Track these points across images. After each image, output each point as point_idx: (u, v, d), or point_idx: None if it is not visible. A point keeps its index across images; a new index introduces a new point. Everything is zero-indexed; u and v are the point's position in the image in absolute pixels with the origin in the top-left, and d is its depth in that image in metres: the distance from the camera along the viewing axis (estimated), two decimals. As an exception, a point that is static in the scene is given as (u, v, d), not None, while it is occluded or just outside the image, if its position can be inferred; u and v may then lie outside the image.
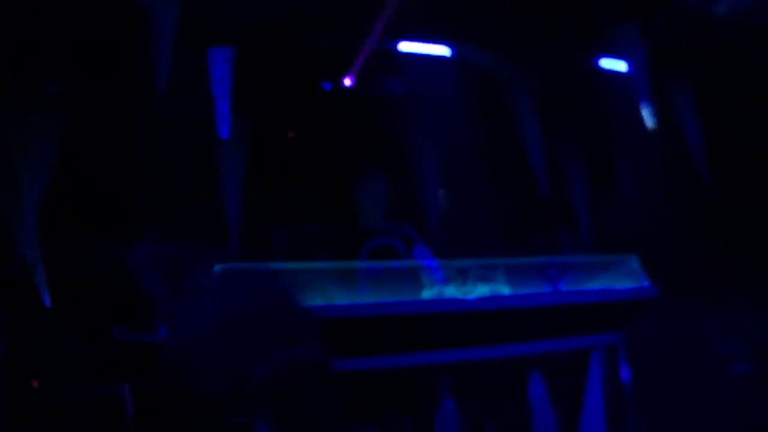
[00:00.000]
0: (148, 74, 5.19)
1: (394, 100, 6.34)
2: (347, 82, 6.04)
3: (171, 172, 5.85)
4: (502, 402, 4.59)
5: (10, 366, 5.48)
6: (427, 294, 3.87)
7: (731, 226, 7.00)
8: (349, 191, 5.05)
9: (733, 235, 7.03)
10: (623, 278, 4.48)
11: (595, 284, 4.42)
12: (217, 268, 3.58)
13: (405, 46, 5.99)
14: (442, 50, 6.13)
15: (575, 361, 4.75)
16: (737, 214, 6.96)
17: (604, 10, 6.13)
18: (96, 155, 6.02)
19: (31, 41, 5.50)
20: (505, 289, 4.01)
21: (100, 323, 5.70)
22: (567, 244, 7.10)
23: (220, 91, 5.60)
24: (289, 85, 6.05)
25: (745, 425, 6.99)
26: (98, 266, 5.83)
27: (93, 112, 5.86)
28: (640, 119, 6.52)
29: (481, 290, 3.93)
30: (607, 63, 6.52)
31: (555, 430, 4.63)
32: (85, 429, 5.45)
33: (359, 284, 4.00)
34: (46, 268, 5.83)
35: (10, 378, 5.48)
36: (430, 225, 6.51)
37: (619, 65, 6.49)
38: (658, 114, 6.57)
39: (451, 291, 3.89)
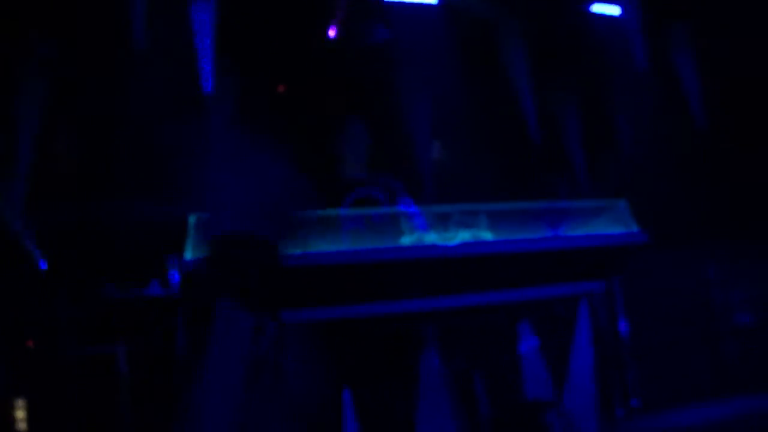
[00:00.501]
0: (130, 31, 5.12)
1: (381, 48, 6.23)
2: (331, 32, 5.93)
3: (159, 130, 5.79)
4: (490, 351, 4.53)
5: (5, 327, 5.50)
6: (406, 241, 3.80)
7: (731, 172, 6.90)
8: (333, 141, 4.97)
9: (733, 181, 6.93)
10: (611, 224, 4.38)
11: (582, 230, 4.32)
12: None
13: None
14: (428, -4, 6.01)
15: (565, 309, 4.68)
16: (737, 159, 6.85)
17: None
18: (84, 114, 5.98)
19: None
20: (487, 235, 3.93)
21: (92, 282, 5.70)
22: (563, 192, 7.01)
23: (203, 45, 5.51)
24: (274, 37, 5.94)
25: (746, 375, 6.97)
26: (89, 226, 5.82)
27: (79, 72, 5.80)
28: (635, 63, 6.39)
29: (462, 236, 3.85)
30: (600, 7, 6.36)
31: (546, 378, 4.58)
32: (80, 388, 5.47)
33: (340, 233, 3.94)
34: (37, 229, 5.81)
35: (4, 339, 5.49)
36: (422, 175, 6.43)
37: (613, 9, 6.34)
38: (652, 57, 6.43)
39: (432, 238, 3.82)
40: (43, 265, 5.83)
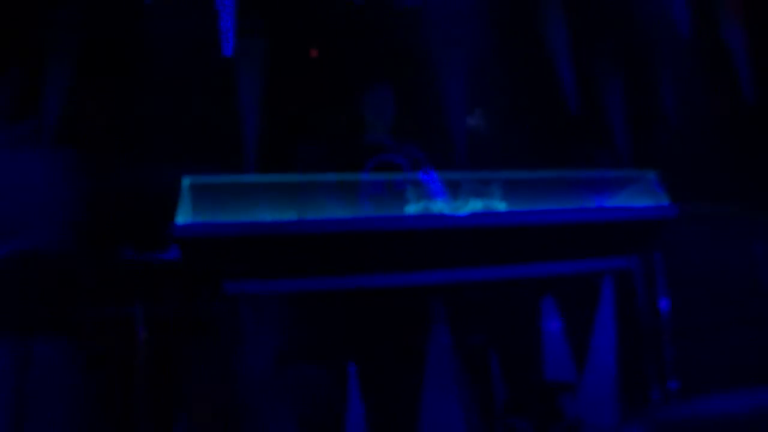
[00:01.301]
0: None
1: (412, 11, 5.99)
2: (359, -6, 5.71)
3: (182, 93, 5.69)
4: (509, 327, 4.32)
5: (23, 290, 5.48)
6: (411, 209, 3.60)
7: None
8: (358, 105, 4.80)
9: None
10: (640, 196, 4.12)
11: (607, 202, 4.07)
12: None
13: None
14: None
15: (591, 286, 4.45)
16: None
17: None
18: (105, 79, 5.90)
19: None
20: (501, 205, 3.71)
21: (110, 244, 5.66)
22: (603, 162, 6.72)
23: (224, 5, 5.36)
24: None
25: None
26: (108, 188, 5.76)
27: (102, 34, 5.72)
28: (678, 28, 6.03)
29: (473, 206, 3.64)
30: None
31: (568, 358, 4.37)
32: (99, 351, 5.45)
33: (359, 198, 3.79)
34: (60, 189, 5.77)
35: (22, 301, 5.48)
36: (454, 143, 6.20)
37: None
38: (698, 25, 6.05)
39: (440, 206, 3.61)
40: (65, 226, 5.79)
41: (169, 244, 5.71)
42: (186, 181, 3.40)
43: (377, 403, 3.82)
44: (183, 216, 3.32)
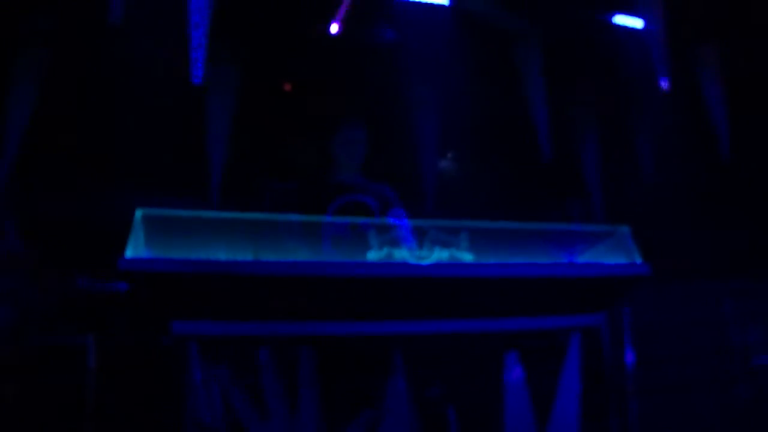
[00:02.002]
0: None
1: (386, 48, 5.90)
2: (334, 28, 5.61)
3: (149, 119, 5.54)
4: (469, 380, 4.16)
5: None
6: (373, 256, 3.45)
7: (754, 206, 6.47)
8: (328, 143, 4.66)
9: (756, 215, 6.50)
10: (612, 252, 4.00)
11: (577, 257, 3.94)
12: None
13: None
14: (439, -1, 5.65)
15: (557, 342, 4.31)
16: (760, 192, 6.42)
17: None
18: (71, 100, 5.75)
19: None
20: (467, 256, 3.56)
21: (64, 272, 5.47)
22: (575, 214, 6.63)
23: (196, 34, 5.23)
24: (273, 28, 5.65)
25: (760, 421, 6.52)
26: (66, 213, 5.60)
27: (70, 53, 5.58)
28: (657, 82, 5.98)
29: (438, 255, 3.50)
30: (622, 19, 5.96)
31: (529, 416, 4.20)
32: (48, 379, 5.26)
33: (321, 240, 3.63)
34: (15, 214, 5.59)
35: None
36: (424, 186, 6.10)
37: (635, 22, 5.93)
38: (676, 77, 6.01)
39: (404, 254, 3.46)
40: (19, 250, 5.60)
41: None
42: (139, 213, 3.21)
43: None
44: (133, 249, 3.14)
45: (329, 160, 4.63)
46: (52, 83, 5.64)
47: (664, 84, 5.88)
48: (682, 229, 6.04)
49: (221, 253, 3.27)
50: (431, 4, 5.67)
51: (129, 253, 3.15)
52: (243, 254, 3.30)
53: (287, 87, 6.37)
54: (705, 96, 6.29)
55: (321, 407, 3.64)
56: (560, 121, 6.31)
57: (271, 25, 5.65)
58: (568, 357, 4.02)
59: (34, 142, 5.71)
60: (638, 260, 3.93)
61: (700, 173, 6.46)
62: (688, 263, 5.90)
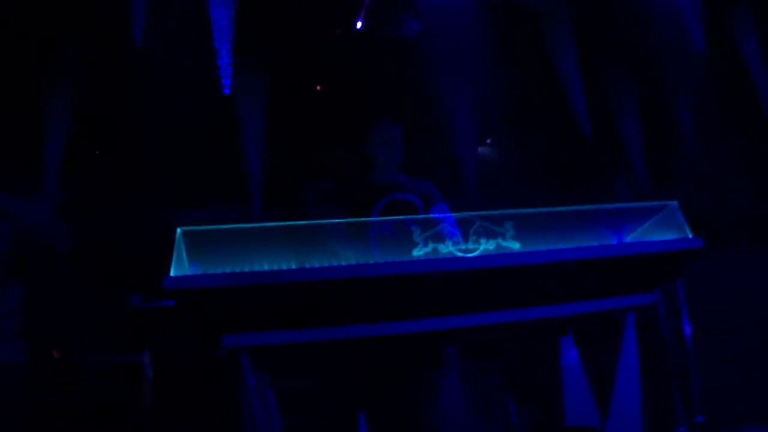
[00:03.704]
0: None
1: (412, 41, 5.84)
2: (358, 24, 5.56)
3: (184, 134, 5.57)
4: (527, 369, 4.11)
5: (32, 336, 5.36)
6: (419, 253, 3.40)
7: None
8: (365, 143, 4.63)
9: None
10: (662, 228, 3.90)
11: (627, 236, 3.86)
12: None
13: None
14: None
15: (613, 323, 4.23)
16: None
17: None
18: (105, 122, 5.81)
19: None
20: (514, 245, 3.50)
21: (117, 292, 5.54)
22: (621, 192, 6.51)
23: (222, 44, 5.23)
24: (299, 32, 5.62)
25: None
26: (109, 233, 5.65)
27: (101, 76, 5.63)
28: (692, 46, 5.81)
29: (485, 246, 3.44)
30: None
31: (590, 401, 4.14)
32: (106, 397, 5.35)
33: (369, 240, 3.61)
34: (63, 237, 5.67)
35: (31, 348, 5.36)
36: (466, 176, 6.02)
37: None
38: (713, 42, 5.84)
39: (449, 248, 3.41)
40: (73, 273, 5.69)
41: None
42: (179, 231, 3.21)
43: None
44: (176, 266, 3.14)
45: (367, 160, 4.60)
46: (86, 106, 5.69)
47: (700, 45, 5.70)
48: (730, 196, 5.90)
49: (264, 263, 3.25)
50: (454, -8, 5.60)
51: (173, 271, 3.15)
52: (287, 262, 3.27)
53: (318, 88, 6.35)
54: (742, 56, 6.10)
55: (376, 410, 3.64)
56: (597, 96, 6.17)
57: (295, 28, 5.62)
58: (625, 336, 3.94)
59: (74, 165, 5.77)
60: (689, 234, 3.82)
61: (743, 137, 6.29)
62: (739, 231, 5.76)
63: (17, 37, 5.36)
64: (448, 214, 4.22)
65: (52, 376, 5.36)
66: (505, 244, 3.48)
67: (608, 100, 6.30)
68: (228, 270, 3.21)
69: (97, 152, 6.02)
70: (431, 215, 4.17)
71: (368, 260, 3.33)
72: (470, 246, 3.43)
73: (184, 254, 3.24)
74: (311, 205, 4.72)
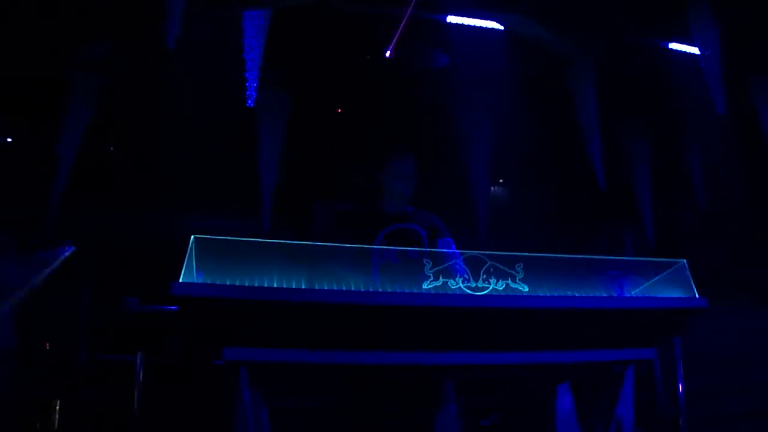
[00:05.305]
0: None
1: (439, 73, 5.88)
2: (388, 53, 5.61)
3: (202, 141, 5.60)
4: (521, 410, 4.10)
5: (25, 328, 5.37)
6: (428, 285, 3.41)
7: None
8: (377, 171, 4.65)
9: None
10: (668, 285, 3.91)
11: (634, 291, 3.87)
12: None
13: (453, 19, 5.51)
14: (493, 23, 5.60)
15: (611, 374, 4.23)
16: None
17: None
18: (125, 125, 5.84)
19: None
20: (523, 288, 3.51)
21: (117, 293, 5.54)
22: (629, 244, 6.51)
23: (251, 56, 5.27)
24: (328, 55, 5.66)
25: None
26: (122, 235, 5.66)
27: (124, 78, 5.66)
28: (712, 110, 5.86)
29: (495, 286, 3.45)
30: (678, 45, 5.86)
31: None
32: (95, 395, 5.34)
33: (371, 268, 3.61)
34: (68, 236, 5.69)
35: (24, 339, 5.37)
36: (477, 214, 6.04)
37: (691, 48, 5.83)
38: (732, 103, 5.88)
39: (459, 285, 3.42)
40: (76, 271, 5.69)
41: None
42: (193, 238, 3.22)
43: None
44: (187, 274, 3.15)
45: (378, 187, 4.62)
46: (106, 108, 5.72)
47: (720, 110, 5.74)
48: (736, 258, 5.91)
49: (274, 280, 3.26)
50: (485, 29, 5.63)
51: (183, 278, 3.16)
52: (296, 280, 3.28)
53: (338, 110, 6.38)
54: (761, 124, 6.14)
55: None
56: (613, 148, 6.21)
57: (325, 49, 5.67)
58: (623, 388, 3.95)
59: (90, 166, 5.79)
60: (696, 294, 3.84)
61: (755, 202, 6.32)
62: (741, 293, 5.77)
63: (45, 34, 5.40)
64: (453, 249, 4.24)
65: (43, 368, 5.35)
66: (514, 285, 3.49)
67: (624, 152, 6.33)
68: (236, 283, 3.22)
69: (112, 149, 6.03)
70: (436, 248, 4.19)
71: (368, 286, 3.34)
72: (480, 284, 3.44)
73: (196, 262, 3.24)
74: (319, 224, 4.74)
